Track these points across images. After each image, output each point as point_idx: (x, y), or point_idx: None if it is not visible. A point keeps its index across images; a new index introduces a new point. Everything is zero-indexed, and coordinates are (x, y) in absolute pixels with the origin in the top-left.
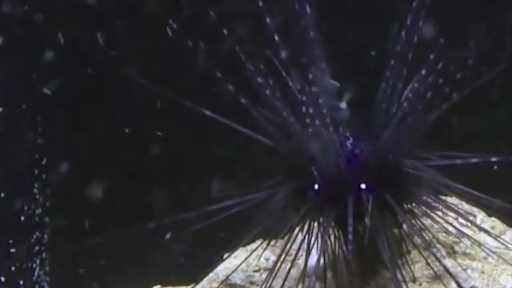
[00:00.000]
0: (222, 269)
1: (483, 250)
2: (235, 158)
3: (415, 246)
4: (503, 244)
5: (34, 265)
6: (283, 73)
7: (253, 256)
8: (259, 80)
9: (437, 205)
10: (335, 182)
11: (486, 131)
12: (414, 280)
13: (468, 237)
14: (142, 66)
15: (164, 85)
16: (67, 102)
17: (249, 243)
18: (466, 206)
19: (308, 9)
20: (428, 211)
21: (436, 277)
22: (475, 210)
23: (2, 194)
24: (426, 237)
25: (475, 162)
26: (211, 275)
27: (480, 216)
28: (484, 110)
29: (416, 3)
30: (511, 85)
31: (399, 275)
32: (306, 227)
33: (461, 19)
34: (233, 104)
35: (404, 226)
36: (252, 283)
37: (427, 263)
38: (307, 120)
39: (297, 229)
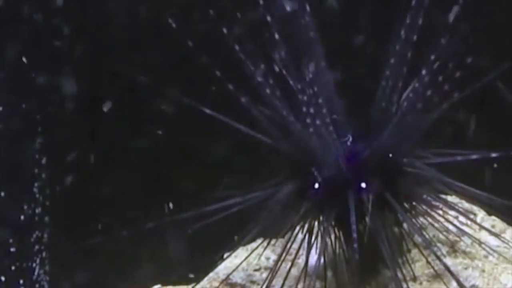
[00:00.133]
0: (223, 268)
1: (484, 249)
2: (235, 157)
3: (416, 245)
4: (504, 242)
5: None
6: (284, 72)
7: (253, 255)
8: (260, 79)
9: (437, 203)
10: (336, 181)
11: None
12: (414, 279)
13: (469, 235)
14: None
15: (162, 81)
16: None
17: (249, 242)
18: (466, 205)
19: (307, 9)
20: (428, 210)
21: (437, 276)
22: (475, 208)
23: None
24: (427, 236)
25: (475, 159)
26: (211, 274)
27: (480, 215)
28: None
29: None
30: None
31: (399, 274)
32: (306, 226)
33: (461, 18)
34: (233, 103)
35: (405, 225)
36: (252, 282)
37: (428, 262)
38: (308, 120)
39: (297, 228)
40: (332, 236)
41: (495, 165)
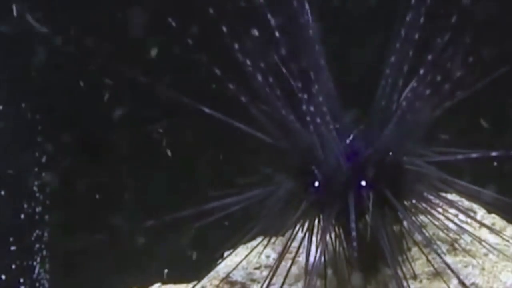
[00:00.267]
0: (223, 267)
1: (484, 247)
2: (235, 156)
3: (416, 243)
4: (504, 239)
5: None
6: (284, 71)
7: (253, 253)
8: (260, 78)
9: (437, 201)
10: (336, 180)
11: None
12: (414, 277)
13: (469, 233)
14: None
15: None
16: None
17: (249, 240)
18: (466, 203)
19: (307, 8)
20: (429, 208)
21: (437, 274)
22: (475, 206)
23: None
24: (427, 234)
25: (475, 158)
26: (212, 273)
27: (480, 213)
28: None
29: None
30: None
31: (399, 272)
32: (306, 224)
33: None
34: (233, 102)
35: (405, 223)
36: (252, 280)
37: (428, 260)
38: (308, 118)
39: (297, 227)
40: (333, 234)
41: (495, 164)
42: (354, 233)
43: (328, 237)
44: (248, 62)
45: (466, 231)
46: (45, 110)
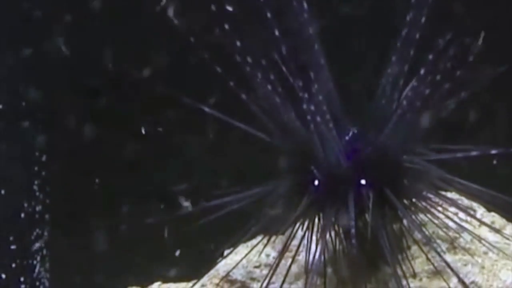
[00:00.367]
0: (223, 265)
1: (484, 245)
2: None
3: (415, 241)
4: (504, 237)
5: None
6: (284, 69)
7: (253, 252)
8: (260, 76)
9: (437, 200)
10: (335, 178)
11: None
12: (414, 275)
13: (468, 232)
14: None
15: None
16: None
17: (249, 239)
18: (465, 201)
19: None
20: (428, 206)
21: (436, 273)
22: (474, 205)
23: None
24: (427, 232)
25: (475, 155)
26: (211, 271)
27: (480, 211)
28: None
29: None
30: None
31: (399, 271)
32: (306, 223)
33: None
34: (233, 101)
35: (405, 221)
36: (252, 279)
37: (427, 259)
38: (308, 116)
39: (297, 225)
40: (332, 233)
41: (495, 162)
42: (353, 232)
43: (328, 235)
44: (248, 60)
45: (465, 229)
46: None
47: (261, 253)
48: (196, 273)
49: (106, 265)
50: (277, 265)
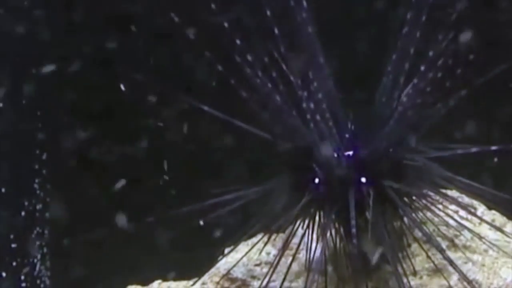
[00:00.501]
0: (223, 264)
1: (484, 243)
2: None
3: (416, 239)
4: (505, 235)
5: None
6: (284, 67)
7: (254, 250)
8: (260, 74)
9: (437, 198)
10: (336, 176)
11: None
12: (414, 273)
13: (469, 229)
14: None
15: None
16: None
17: (250, 237)
18: (466, 199)
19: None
20: (429, 204)
21: (437, 270)
22: (475, 203)
23: None
24: (427, 230)
25: (475, 153)
26: (212, 269)
27: (481, 209)
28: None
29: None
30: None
31: (399, 269)
32: (307, 221)
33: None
34: (233, 99)
35: (405, 219)
36: (253, 277)
37: (428, 256)
38: (308, 115)
39: (298, 223)
40: (333, 231)
41: (496, 159)
42: (354, 230)
43: (328, 233)
44: (247, 59)
45: (466, 227)
46: None
47: (261, 251)
48: (197, 272)
49: (106, 263)
50: (278, 263)
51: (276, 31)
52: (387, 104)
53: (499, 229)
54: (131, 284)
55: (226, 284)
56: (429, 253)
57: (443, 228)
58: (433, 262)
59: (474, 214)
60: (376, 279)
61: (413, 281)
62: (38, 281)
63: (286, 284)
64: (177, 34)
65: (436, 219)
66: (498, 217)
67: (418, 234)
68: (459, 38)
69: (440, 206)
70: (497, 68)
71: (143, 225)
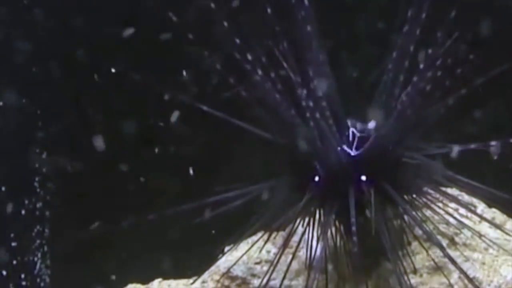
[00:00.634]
0: (224, 262)
1: (484, 241)
2: (235, 152)
3: (416, 237)
4: (505, 233)
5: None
6: (284, 66)
7: (254, 248)
8: (260, 73)
9: (437, 196)
10: (336, 174)
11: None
12: (415, 271)
13: (469, 228)
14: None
15: (161, 79)
16: None
17: (250, 235)
18: (466, 197)
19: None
20: (429, 202)
21: (437, 268)
22: (475, 201)
23: None
24: (427, 228)
25: (475, 150)
26: (212, 267)
27: (480, 207)
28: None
29: None
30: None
31: (400, 267)
32: (307, 219)
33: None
34: (233, 98)
35: (405, 217)
36: (253, 275)
37: (428, 254)
38: (308, 113)
39: (298, 221)
40: (333, 229)
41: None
42: (354, 228)
43: (328, 232)
44: (247, 56)
45: (466, 225)
46: None
47: (261, 249)
48: (197, 270)
49: (106, 262)
50: (277, 261)
51: (276, 28)
52: (387, 102)
53: (499, 227)
54: (132, 282)
55: (226, 282)
56: (429, 251)
57: (443, 226)
58: (433, 260)
59: (474, 212)
60: (376, 277)
61: (413, 279)
62: (38, 280)
63: (286, 282)
64: (176, 32)
65: (436, 217)
66: (498, 215)
67: (418, 232)
68: (459, 37)
69: (440, 204)
70: (498, 69)
71: (143, 223)
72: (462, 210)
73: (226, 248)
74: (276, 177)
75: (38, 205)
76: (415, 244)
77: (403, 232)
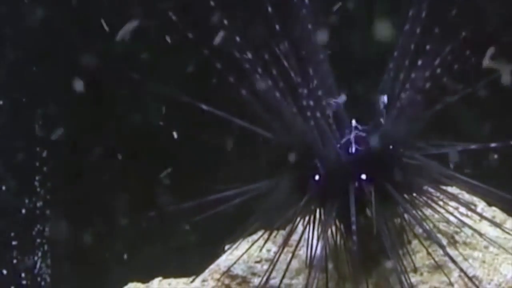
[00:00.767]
0: (224, 260)
1: (484, 240)
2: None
3: (416, 236)
4: (505, 231)
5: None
6: (284, 64)
7: (254, 247)
8: (260, 72)
9: (438, 195)
10: (336, 173)
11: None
12: (415, 270)
13: (469, 226)
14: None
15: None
16: None
17: (250, 234)
18: (466, 196)
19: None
20: (429, 201)
21: (437, 267)
22: (475, 199)
23: None
24: (428, 227)
25: (475, 150)
26: (212, 266)
27: (481, 206)
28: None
29: None
30: None
31: (400, 265)
32: (307, 218)
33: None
34: (232, 97)
35: (405, 215)
36: (253, 274)
37: (428, 253)
38: (308, 112)
39: (298, 220)
40: (333, 228)
41: (495, 156)
42: (354, 227)
43: (329, 230)
44: (247, 55)
45: (466, 224)
46: None
47: (262, 248)
48: (197, 268)
49: (106, 261)
50: (277, 260)
51: (277, 27)
52: (387, 100)
53: (499, 225)
54: (132, 281)
55: (227, 281)
56: (430, 250)
57: (443, 225)
58: (433, 258)
59: (474, 211)
60: (376, 276)
61: (414, 278)
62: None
63: (286, 281)
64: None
65: (436, 215)
66: (498, 214)
67: (419, 230)
68: (459, 36)
69: (441, 203)
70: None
71: (143, 222)
72: (462, 209)
73: (227, 247)
74: (277, 175)
75: (39, 204)
76: (415, 242)
77: (404, 231)
